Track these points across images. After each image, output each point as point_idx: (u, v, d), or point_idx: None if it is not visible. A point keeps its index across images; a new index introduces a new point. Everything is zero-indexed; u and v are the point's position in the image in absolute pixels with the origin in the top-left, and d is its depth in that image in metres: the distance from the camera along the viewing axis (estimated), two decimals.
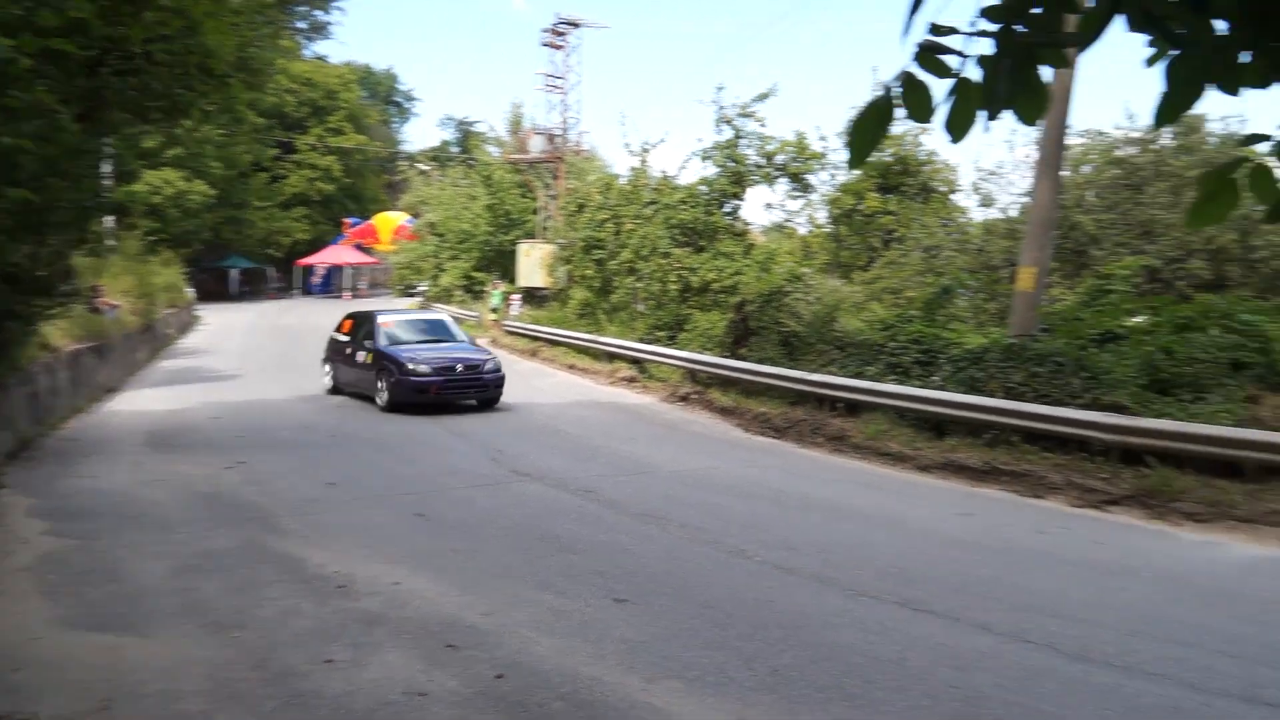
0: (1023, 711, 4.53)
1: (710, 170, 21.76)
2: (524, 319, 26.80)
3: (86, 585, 6.38)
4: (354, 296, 48.59)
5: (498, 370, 15.12)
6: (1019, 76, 2.25)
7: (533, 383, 18.45)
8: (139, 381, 18.22)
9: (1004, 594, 6.46)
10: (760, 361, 15.50)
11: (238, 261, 49.59)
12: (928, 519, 8.76)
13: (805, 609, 6.03)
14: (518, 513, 8.56)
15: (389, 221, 49.78)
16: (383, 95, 69.73)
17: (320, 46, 63.47)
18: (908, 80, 2.27)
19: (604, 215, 22.80)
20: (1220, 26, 2.21)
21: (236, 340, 26.77)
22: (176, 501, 8.88)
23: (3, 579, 6.50)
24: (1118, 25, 2.22)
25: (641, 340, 19.39)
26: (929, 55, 2.27)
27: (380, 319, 16.01)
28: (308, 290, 51.62)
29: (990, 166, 29.85)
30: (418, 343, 15.49)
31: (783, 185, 22.03)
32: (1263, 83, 2.31)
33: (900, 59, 2.31)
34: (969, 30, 2.23)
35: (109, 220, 20.50)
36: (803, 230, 26.52)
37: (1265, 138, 2.52)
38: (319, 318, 36.24)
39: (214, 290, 44.67)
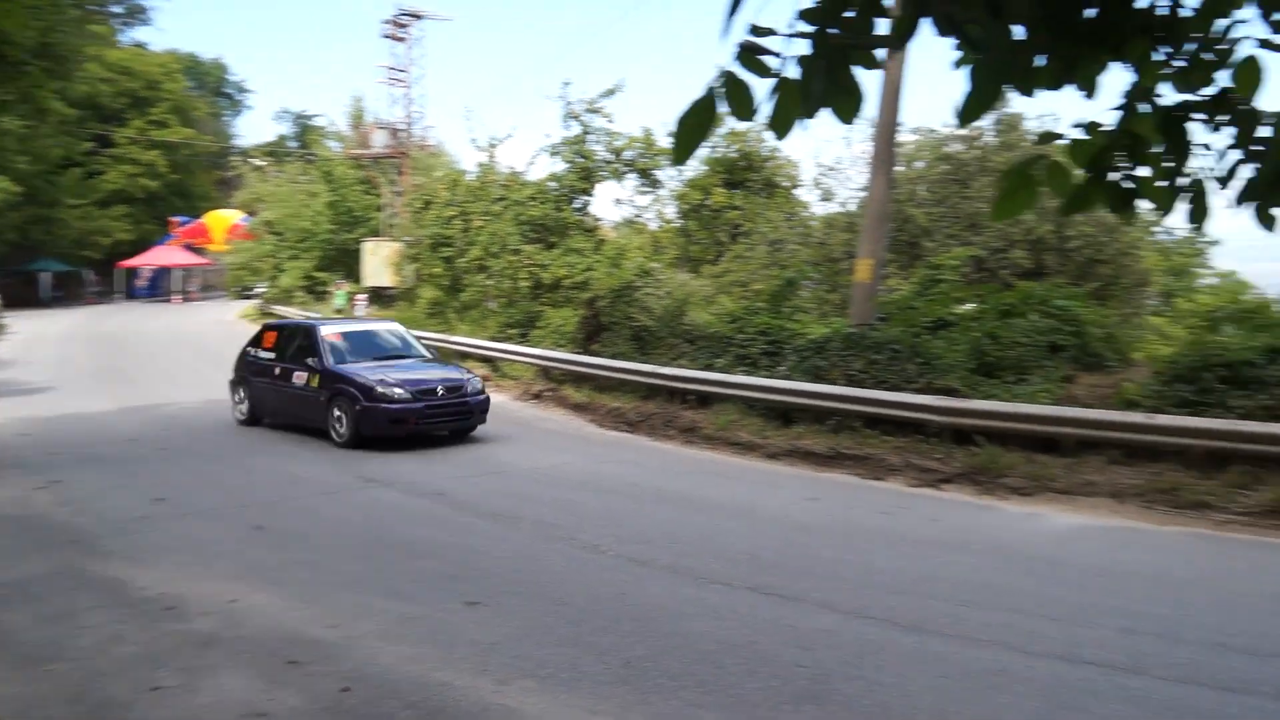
0: (864, 684, 4.73)
1: (559, 166, 21.76)
2: (371, 319, 25.96)
3: None
4: (184, 300, 45.92)
5: (481, 392, 12.51)
6: (834, 77, 2.32)
7: None
8: None
9: (848, 574, 6.74)
10: (612, 357, 15.60)
11: (49, 264, 45.68)
12: (777, 506, 9.03)
13: (658, 601, 6.09)
14: (365, 520, 8.28)
15: (222, 220, 47.17)
16: (211, 86, 65.80)
17: (139, 33, 59.18)
18: (730, 79, 2.31)
19: (451, 212, 22.40)
20: (1019, 32, 2.35)
21: (49, 350, 24.65)
22: None
23: None
24: (930, 29, 2.34)
25: (493, 338, 19.17)
26: (749, 55, 2.32)
27: (323, 331, 12.93)
28: (132, 294, 48.20)
29: (830, 162, 31.09)
30: (376, 360, 12.57)
31: (632, 181, 22.28)
32: (1056, 84, 2.48)
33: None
34: (787, 32, 2.29)
35: None
36: (652, 225, 26.86)
37: (1059, 136, 2.71)
38: (145, 323, 34.11)
39: (22, 296, 41.01)
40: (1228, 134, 2.50)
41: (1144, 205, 2.66)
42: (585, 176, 21.55)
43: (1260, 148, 2.47)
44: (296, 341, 13.05)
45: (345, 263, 32.54)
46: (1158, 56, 2.46)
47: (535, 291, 20.26)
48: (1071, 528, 8.37)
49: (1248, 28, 2.37)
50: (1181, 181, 2.59)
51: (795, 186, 26.02)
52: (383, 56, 33.50)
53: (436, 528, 7.98)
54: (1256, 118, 2.45)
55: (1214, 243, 27.49)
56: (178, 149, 50.01)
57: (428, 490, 9.35)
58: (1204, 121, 2.51)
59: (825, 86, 2.32)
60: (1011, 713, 4.46)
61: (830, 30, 2.30)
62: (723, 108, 2.35)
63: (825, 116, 2.41)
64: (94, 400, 15.97)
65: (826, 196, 22.05)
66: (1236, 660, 5.13)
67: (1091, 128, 2.59)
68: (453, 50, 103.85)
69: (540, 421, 14.30)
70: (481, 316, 21.19)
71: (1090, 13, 2.34)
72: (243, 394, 13.59)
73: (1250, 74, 2.42)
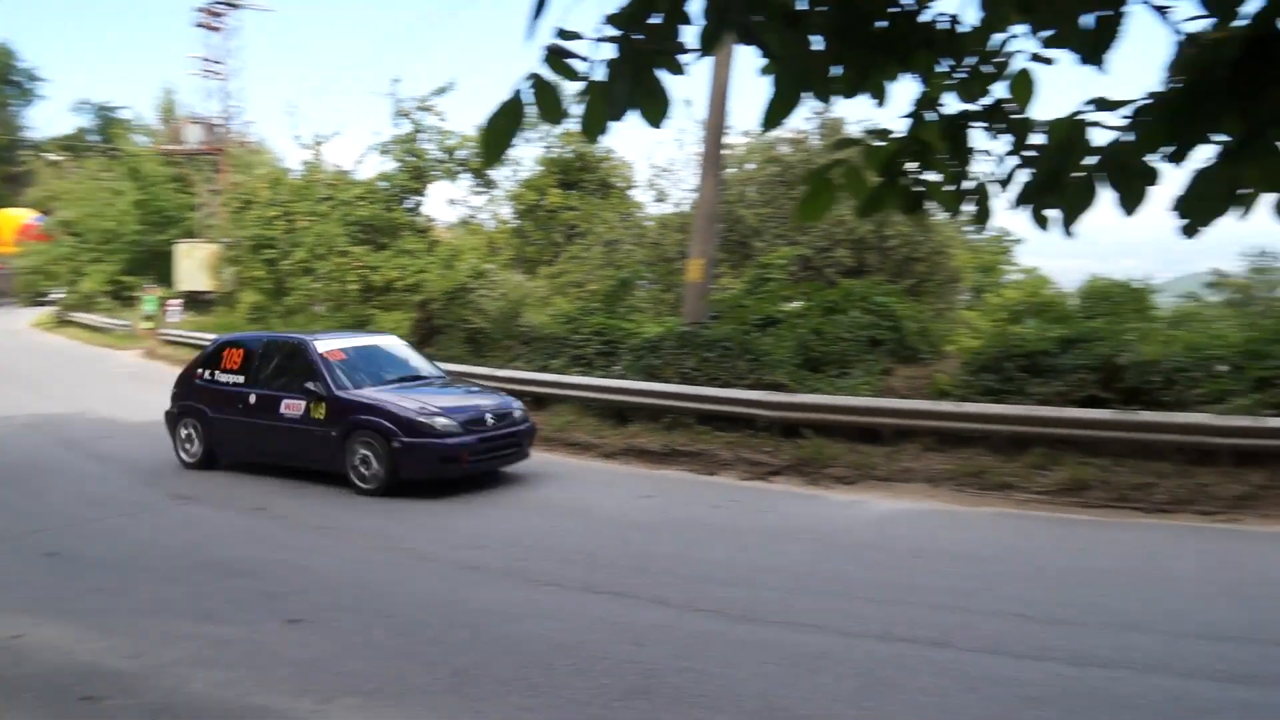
0: (695, 676, 4.81)
1: (390, 165, 21.14)
2: (186, 326, 24.39)
3: None
4: None
5: (526, 419, 10.41)
6: (639, 81, 2.34)
7: None
8: None
9: (680, 568, 6.85)
10: (447, 360, 15.24)
11: None
12: (613, 505, 9.09)
13: (489, 606, 6.00)
14: (177, 540, 7.73)
15: (11, 220, 43.15)
16: None
17: None
18: (538, 82, 2.30)
19: (274, 212, 21.39)
20: (818, 42, 2.44)
21: None
22: None
23: None
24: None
25: None
26: (556, 58, 2.31)
27: (320, 348, 10.10)
28: None
29: (663, 163, 31.60)
30: (390, 383, 10.16)
31: (466, 180, 21.91)
32: (851, 92, 2.59)
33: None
34: (594, 36, 2.29)
35: None
36: (488, 226, 26.50)
37: (856, 142, 2.84)
38: None
39: None
40: (1006, 141, 2.69)
41: (933, 207, 2.82)
42: (417, 176, 21.06)
43: (1033, 154, 2.66)
44: (277, 361, 10.33)
45: (156, 266, 30.46)
46: (941, 68, 2.61)
47: (365, 294, 19.62)
48: (891, 513, 8.84)
49: (1021, 43, 2.55)
50: (966, 185, 2.76)
51: (630, 187, 26.29)
52: (196, 47, 31.57)
53: (256, 544, 7.56)
54: (1030, 126, 2.63)
55: (1018, 241, 29.89)
56: None
57: (246, 505, 8.85)
58: (984, 129, 2.68)
59: (631, 90, 2.34)
60: (831, 692, 4.66)
61: (635, 36, 2.32)
62: (532, 110, 2.33)
63: (636, 119, 2.44)
64: None
65: (660, 197, 22.41)
66: (1036, 629, 5.55)
67: (883, 134, 2.73)
68: (274, 43, 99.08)
69: None
70: (309, 321, 20.29)
71: (881, 24, 2.45)
72: (192, 430, 10.66)
73: (1024, 86, 2.61)
